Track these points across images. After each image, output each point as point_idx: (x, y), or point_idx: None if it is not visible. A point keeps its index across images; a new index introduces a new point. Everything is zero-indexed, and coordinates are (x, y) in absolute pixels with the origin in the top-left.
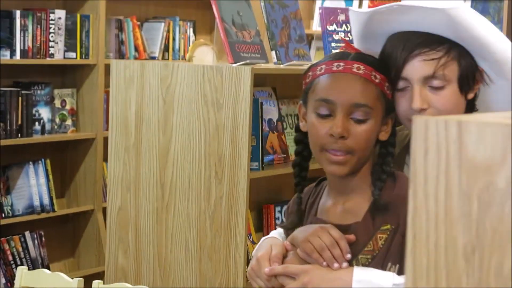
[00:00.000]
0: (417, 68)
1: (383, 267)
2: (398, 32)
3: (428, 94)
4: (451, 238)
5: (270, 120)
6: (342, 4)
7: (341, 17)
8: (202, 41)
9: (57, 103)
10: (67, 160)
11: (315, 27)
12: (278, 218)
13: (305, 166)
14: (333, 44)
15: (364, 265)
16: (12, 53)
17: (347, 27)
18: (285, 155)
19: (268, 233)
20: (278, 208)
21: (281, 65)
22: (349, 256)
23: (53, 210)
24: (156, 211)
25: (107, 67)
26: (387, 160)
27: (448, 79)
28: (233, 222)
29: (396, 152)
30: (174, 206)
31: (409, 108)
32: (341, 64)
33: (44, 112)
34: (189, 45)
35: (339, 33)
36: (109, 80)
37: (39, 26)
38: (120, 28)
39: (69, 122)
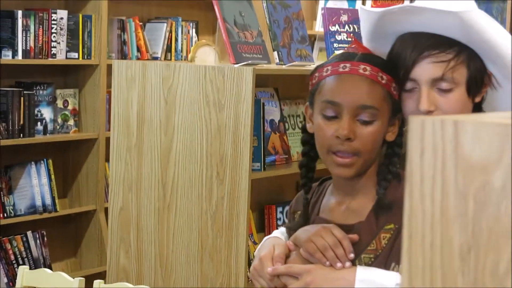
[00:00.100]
0: (426, 69)
1: (386, 266)
2: (408, 33)
3: (436, 96)
4: (447, 238)
5: (272, 120)
6: (345, 5)
7: (344, 18)
8: (204, 42)
9: (59, 103)
10: (69, 160)
11: (318, 27)
12: (280, 219)
13: (312, 167)
14: (335, 45)
15: (367, 264)
16: (14, 53)
17: (350, 28)
18: (287, 156)
19: (269, 234)
20: (279, 209)
21: (283, 66)
22: (352, 255)
23: (55, 210)
24: (158, 211)
25: (109, 68)
26: (393, 160)
27: (457, 82)
28: (234, 223)
29: (404, 152)
30: (175, 206)
31: (416, 109)
32: (347, 65)
33: (46, 112)
34: (192, 46)
35: (342, 33)
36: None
37: (41, 26)
38: (123, 28)
39: (71, 122)
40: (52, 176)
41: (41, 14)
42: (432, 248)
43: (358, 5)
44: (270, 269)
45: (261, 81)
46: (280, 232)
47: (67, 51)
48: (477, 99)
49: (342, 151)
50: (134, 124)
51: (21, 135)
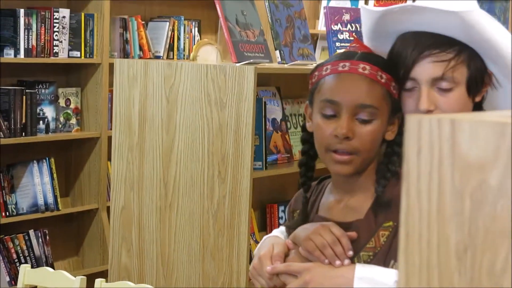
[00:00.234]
0: (426, 69)
1: (385, 264)
2: (409, 32)
3: (436, 95)
4: (444, 237)
5: (274, 119)
6: (348, 4)
7: (346, 17)
8: (206, 41)
9: (62, 102)
10: (71, 159)
11: (321, 26)
12: (282, 218)
13: (311, 165)
14: (337, 44)
15: (366, 262)
16: (16, 52)
17: (352, 27)
18: (289, 155)
19: (271, 232)
20: (281, 208)
21: (285, 65)
22: (350, 253)
23: (58, 209)
24: (159, 210)
25: (112, 66)
26: (392, 159)
27: (457, 81)
28: (236, 221)
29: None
30: (177, 205)
31: (416, 108)
32: (347, 64)
33: (48, 111)
34: (194, 45)
35: (344, 32)
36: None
37: (43, 25)
38: (125, 27)
39: (73, 121)
40: (54, 175)
41: (43, 13)
42: (428, 247)
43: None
44: (269, 268)
45: (263, 80)
46: (279, 231)
47: (69, 50)
48: (478, 99)
49: (340, 149)
50: (136, 123)
51: (23, 133)
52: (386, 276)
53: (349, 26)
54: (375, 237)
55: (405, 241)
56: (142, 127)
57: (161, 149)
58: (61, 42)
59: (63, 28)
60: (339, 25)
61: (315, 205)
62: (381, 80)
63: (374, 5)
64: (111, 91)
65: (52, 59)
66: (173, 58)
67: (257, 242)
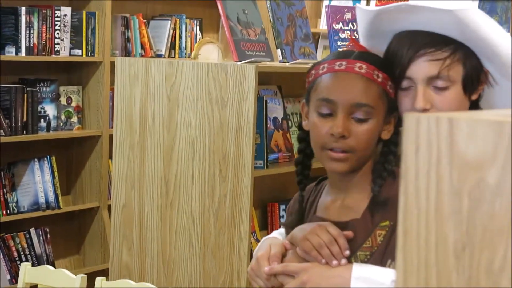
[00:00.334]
0: (422, 68)
1: (382, 263)
2: (404, 31)
3: (432, 94)
4: (442, 235)
5: (275, 118)
6: (349, 3)
7: (347, 16)
8: (208, 39)
9: (63, 100)
10: (72, 157)
11: (322, 25)
12: (283, 216)
13: (308, 164)
14: (339, 43)
15: (363, 261)
16: (18, 50)
17: (353, 26)
18: (290, 154)
19: (272, 231)
20: (282, 206)
21: (287, 64)
22: (347, 252)
23: (59, 207)
24: (160, 209)
25: (113, 65)
26: (389, 158)
27: (453, 80)
28: (237, 220)
29: (399, 151)
30: (178, 204)
31: (412, 107)
32: (343, 63)
33: (49, 109)
34: (196, 43)
35: (345, 31)
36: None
37: (44, 23)
38: (126, 25)
39: (74, 119)
40: (56, 173)
41: (45, 11)
42: (426, 246)
43: (363, 4)
44: (267, 269)
45: (264, 78)
46: (278, 233)
47: (70, 48)
48: (474, 97)
49: (336, 148)
50: (137, 121)
51: (24, 132)
52: (383, 275)
53: (350, 25)
54: (372, 237)
55: (403, 240)
56: (143, 125)
57: (162, 147)
58: (63, 40)
59: (65, 26)
60: (340, 24)
61: (313, 205)
62: (378, 79)
63: (376, 5)
64: (112, 90)
65: (53, 57)
66: (174, 57)
67: (258, 240)
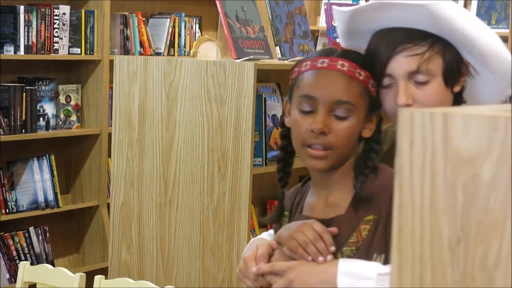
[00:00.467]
0: (401, 64)
1: (368, 257)
2: (383, 29)
3: (413, 89)
4: (436, 230)
5: (274, 116)
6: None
7: None
8: (207, 37)
9: (62, 99)
10: (71, 156)
11: (322, 23)
12: None
13: (289, 161)
14: (338, 40)
15: (349, 256)
16: (16, 49)
17: None
18: None
19: (271, 229)
20: None
21: (285, 61)
22: (333, 248)
23: (58, 206)
24: (159, 207)
25: (112, 63)
26: (371, 156)
27: (433, 73)
28: (236, 218)
29: (386, 148)
30: (177, 202)
31: (395, 104)
32: (326, 60)
33: (48, 108)
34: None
35: None
36: None
37: (43, 21)
38: (125, 24)
39: (73, 118)
40: (55, 172)
41: (43, 10)
42: (421, 241)
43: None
44: (254, 269)
45: (263, 76)
46: (267, 234)
47: (69, 47)
48: (456, 89)
49: (316, 144)
50: (136, 119)
51: (23, 130)
52: (368, 269)
53: None
54: (356, 232)
55: (398, 235)
56: (142, 123)
57: (161, 145)
58: (61, 38)
59: (63, 24)
60: None
61: (299, 205)
62: (359, 77)
63: None
64: (111, 88)
65: (52, 56)
66: (174, 55)
67: None
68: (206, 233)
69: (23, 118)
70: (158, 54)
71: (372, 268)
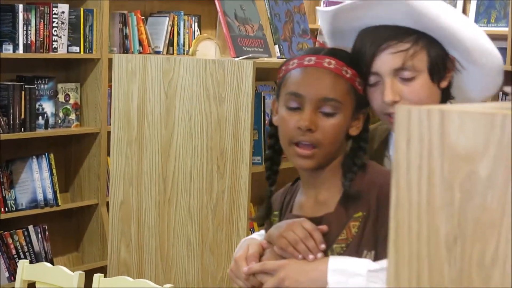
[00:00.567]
0: (386, 61)
1: (358, 254)
2: (366, 28)
3: (399, 86)
4: (433, 228)
5: None
6: None
7: None
8: (206, 35)
9: (61, 97)
10: (71, 154)
11: None
12: None
13: (277, 160)
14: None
15: (339, 254)
16: (15, 47)
17: None
18: None
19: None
20: None
21: (284, 59)
22: (323, 246)
23: (57, 205)
24: (158, 205)
25: (111, 62)
26: (358, 154)
27: (418, 69)
28: (235, 216)
29: (375, 146)
30: (176, 200)
31: (382, 102)
32: (313, 58)
33: (47, 107)
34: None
35: None
36: None
37: (42, 20)
38: (124, 22)
39: (73, 116)
40: (54, 171)
41: (42, 8)
42: (418, 238)
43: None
44: (245, 269)
45: (262, 74)
46: (258, 234)
47: (68, 45)
48: (443, 85)
49: (303, 142)
50: (135, 118)
51: (22, 129)
52: (359, 266)
53: None
54: (346, 229)
55: (395, 233)
56: (141, 122)
57: (160, 144)
58: (60, 37)
59: (62, 23)
60: None
61: (289, 205)
62: (346, 75)
63: None
64: (110, 87)
65: (51, 55)
66: (173, 53)
67: None
68: (205, 232)
69: (22, 116)
70: (157, 52)
71: (362, 265)
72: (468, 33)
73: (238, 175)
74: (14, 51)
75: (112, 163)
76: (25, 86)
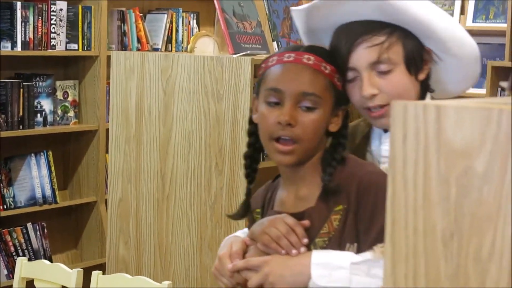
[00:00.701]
0: (362, 55)
1: (340, 247)
2: (342, 25)
3: (377, 79)
4: (430, 223)
5: None
6: None
7: None
8: (204, 32)
9: (59, 94)
10: (69, 152)
11: None
12: None
13: (257, 158)
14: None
15: (322, 247)
16: (13, 45)
17: None
18: None
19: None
20: None
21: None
22: (306, 240)
23: (56, 202)
24: (157, 202)
25: (110, 59)
26: (338, 149)
27: (394, 62)
28: None
29: (357, 141)
30: (174, 197)
31: (361, 96)
32: (292, 55)
33: (46, 104)
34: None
35: None
36: None
37: (40, 17)
38: (123, 19)
39: (71, 114)
40: (52, 168)
41: (40, 5)
42: (415, 234)
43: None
44: (230, 266)
45: None
46: (241, 232)
47: (66, 43)
48: (421, 77)
49: (283, 137)
50: (133, 115)
51: (21, 126)
52: (341, 259)
53: None
54: (328, 223)
55: (391, 228)
56: (139, 119)
57: (158, 141)
58: (59, 34)
59: (61, 20)
60: None
61: (271, 202)
62: (325, 71)
63: None
64: (109, 84)
65: (49, 52)
66: (171, 50)
67: None
68: (204, 229)
69: (21, 114)
70: (156, 49)
71: (345, 258)
72: (441, 24)
73: (237, 172)
74: (12, 48)
75: (110, 160)
76: (24, 83)
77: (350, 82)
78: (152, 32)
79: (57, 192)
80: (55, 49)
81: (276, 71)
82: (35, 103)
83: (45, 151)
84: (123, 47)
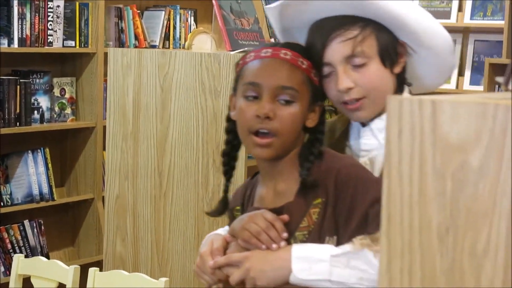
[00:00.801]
0: (336, 50)
1: (320, 240)
2: (315, 21)
3: (352, 73)
4: (426, 218)
5: None
6: None
7: None
8: (201, 29)
9: (56, 91)
10: (66, 149)
11: None
12: None
13: (234, 155)
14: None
15: (302, 241)
16: (10, 41)
17: None
18: None
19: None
20: None
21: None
22: (285, 235)
23: (53, 199)
24: (154, 199)
25: (107, 56)
26: (315, 144)
27: (368, 55)
28: None
29: (336, 136)
30: (172, 194)
31: (337, 91)
32: (269, 50)
33: (43, 101)
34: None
35: None
36: None
37: (37, 14)
38: (120, 16)
39: (68, 111)
40: (49, 165)
41: (37, 2)
42: (410, 229)
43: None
44: (211, 263)
45: None
46: (222, 229)
47: (63, 39)
48: (397, 70)
49: (261, 130)
50: (130, 112)
51: (18, 123)
52: (321, 252)
53: None
54: (307, 216)
55: (387, 224)
56: (136, 116)
57: (155, 138)
58: (56, 31)
59: (58, 17)
60: None
61: (250, 198)
62: (302, 65)
63: None
64: (106, 81)
65: (46, 49)
66: (169, 48)
67: None
68: (201, 225)
69: (18, 111)
70: (153, 46)
71: (325, 251)
72: (413, 15)
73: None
74: (9, 45)
75: (107, 157)
76: (21, 80)
77: (326, 77)
78: (149, 29)
79: (54, 189)
80: (52, 46)
81: (254, 66)
82: (32, 100)
83: (42, 148)
84: (121, 44)
